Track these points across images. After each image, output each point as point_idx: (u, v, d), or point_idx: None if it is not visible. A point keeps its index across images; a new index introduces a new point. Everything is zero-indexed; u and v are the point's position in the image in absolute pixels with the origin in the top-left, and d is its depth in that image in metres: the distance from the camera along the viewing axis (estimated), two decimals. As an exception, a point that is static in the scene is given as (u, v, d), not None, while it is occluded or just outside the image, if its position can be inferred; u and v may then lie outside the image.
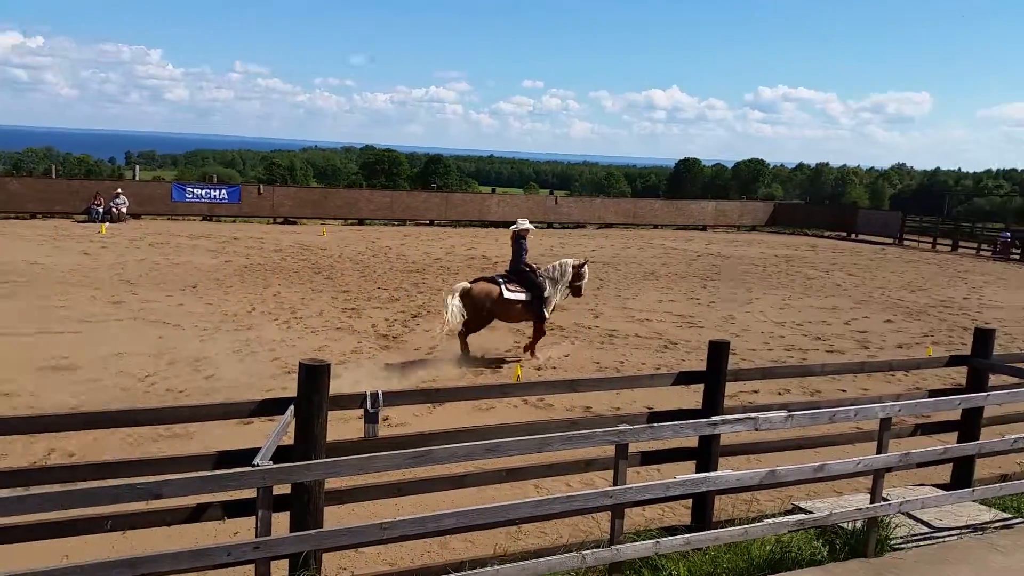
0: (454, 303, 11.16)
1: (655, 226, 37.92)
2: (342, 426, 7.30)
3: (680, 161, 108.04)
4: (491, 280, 11.57)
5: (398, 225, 33.28)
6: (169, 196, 30.81)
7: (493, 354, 11.84)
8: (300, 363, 4.46)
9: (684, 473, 5.20)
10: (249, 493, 4.01)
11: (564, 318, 14.70)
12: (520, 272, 11.62)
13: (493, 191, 42.41)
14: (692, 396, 5.94)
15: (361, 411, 4.94)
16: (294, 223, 31.70)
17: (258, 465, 3.85)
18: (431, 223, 34.13)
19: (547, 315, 11.61)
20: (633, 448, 5.49)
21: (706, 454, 5.62)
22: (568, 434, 4.42)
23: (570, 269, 11.66)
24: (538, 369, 11.07)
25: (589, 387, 5.76)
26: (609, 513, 4.64)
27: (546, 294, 11.50)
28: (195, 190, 31.65)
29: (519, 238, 11.79)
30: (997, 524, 5.93)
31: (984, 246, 33.25)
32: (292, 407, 4.49)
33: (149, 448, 7.29)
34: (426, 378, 10.21)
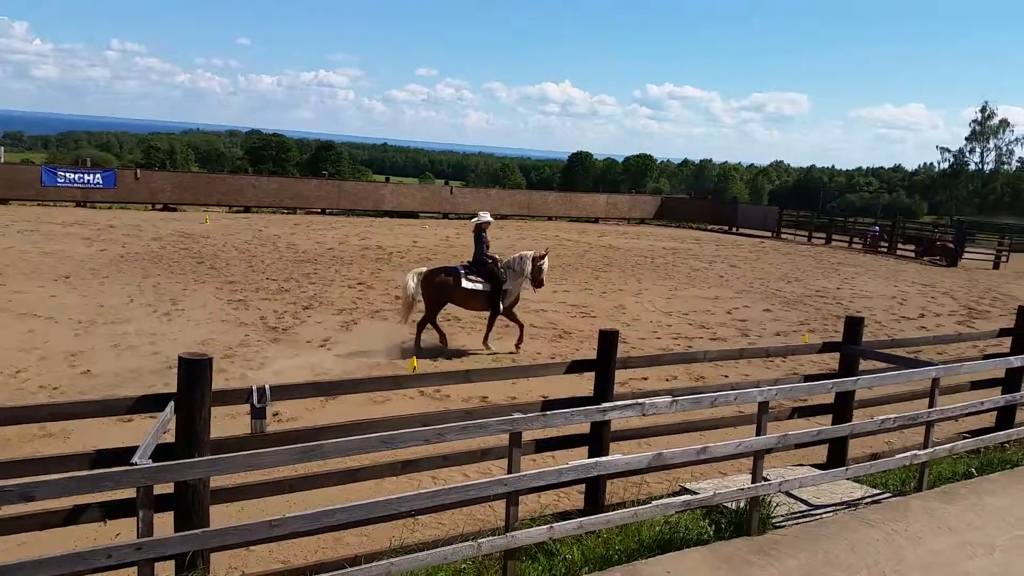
0: (411, 283, 11.57)
1: (549, 218, 38.40)
2: (230, 422, 7.05)
3: (573, 154, 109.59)
4: (452, 270, 11.91)
5: (287, 213, 32.37)
6: (39, 180, 28.88)
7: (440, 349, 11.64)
8: (180, 357, 4.27)
9: (578, 459, 5.29)
10: (131, 493, 3.82)
11: (461, 310, 14.68)
12: (482, 264, 11.93)
13: (387, 180, 41.81)
14: (586, 384, 6.05)
15: (248, 406, 4.76)
16: (174, 210, 30.31)
17: (136, 464, 3.66)
18: (323, 212, 33.37)
19: (501, 308, 11.88)
20: (528, 436, 5.54)
21: (598, 440, 5.74)
22: (463, 424, 4.42)
23: (529, 263, 11.97)
24: (434, 361, 11.02)
25: (484, 377, 5.77)
26: (505, 501, 4.66)
27: (505, 286, 11.83)
28: (68, 174, 29.79)
29: (480, 231, 12.11)
30: (868, 500, 6.32)
31: (855, 239, 35.34)
32: (172, 403, 4.30)
33: (22, 449, 6.83)
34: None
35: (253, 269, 17.81)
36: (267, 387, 4.71)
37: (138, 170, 33.37)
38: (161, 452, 4.17)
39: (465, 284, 11.68)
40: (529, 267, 11.93)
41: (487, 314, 12.13)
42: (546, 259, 12.15)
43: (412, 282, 11.64)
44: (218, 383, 8.12)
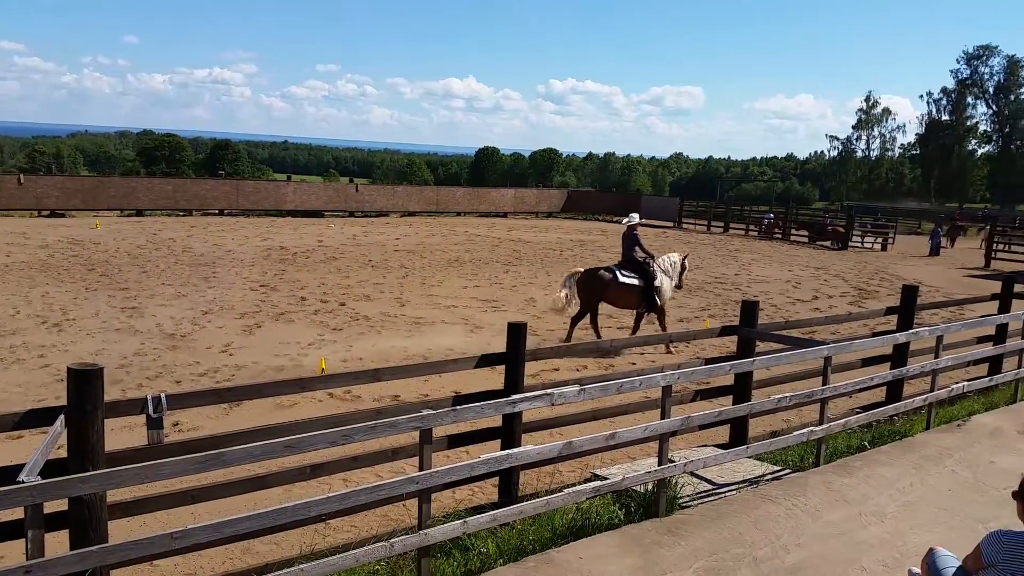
0: (566, 289, 12.27)
1: (458, 213, 38.35)
2: (128, 435, 6.76)
3: (480, 150, 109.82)
4: (608, 269, 12.48)
5: (183, 216, 31.20)
6: (-93, 187, 26.90)
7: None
8: (69, 368, 4.06)
9: (491, 452, 5.31)
10: (19, 513, 3.61)
11: (369, 308, 14.51)
12: (633, 261, 12.47)
13: (289, 178, 40.84)
14: (499, 378, 6.08)
15: (144, 417, 4.57)
16: (62, 216, 28.76)
17: (24, 481, 3.46)
18: (221, 213, 32.31)
19: (659, 303, 12.43)
20: (440, 432, 5.54)
21: (509, 432, 5.78)
22: (371, 424, 4.36)
23: (679, 264, 12.87)
24: (344, 361, 10.84)
25: (393, 375, 5.71)
26: (417, 499, 4.63)
27: (657, 283, 12.37)
28: (-61, 180, 27.83)
29: (631, 231, 12.68)
30: (769, 477, 6.58)
31: (751, 227, 36.71)
32: (63, 416, 4.09)
33: None
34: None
35: (148, 274, 17.09)
36: (163, 396, 4.53)
37: (21, 175, 31.44)
38: (53, 468, 3.97)
39: (621, 279, 12.19)
40: (678, 268, 12.82)
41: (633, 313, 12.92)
42: (687, 259, 13.27)
43: (567, 286, 12.25)
44: (114, 394, 7.78)
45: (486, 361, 6.02)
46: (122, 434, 6.75)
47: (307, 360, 10.81)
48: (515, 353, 5.85)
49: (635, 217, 12.93)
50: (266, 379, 9.28)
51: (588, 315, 12.43)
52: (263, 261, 19.90)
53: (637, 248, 12.55)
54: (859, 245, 32.72)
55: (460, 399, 5.72)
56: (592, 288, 12.22)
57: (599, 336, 12.26)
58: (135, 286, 15.65)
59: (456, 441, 5.83)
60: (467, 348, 11.82)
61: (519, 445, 5.64)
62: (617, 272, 12.26)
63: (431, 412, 4.54)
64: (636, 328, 12.69)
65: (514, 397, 5.15)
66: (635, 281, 12.24)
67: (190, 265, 18.65)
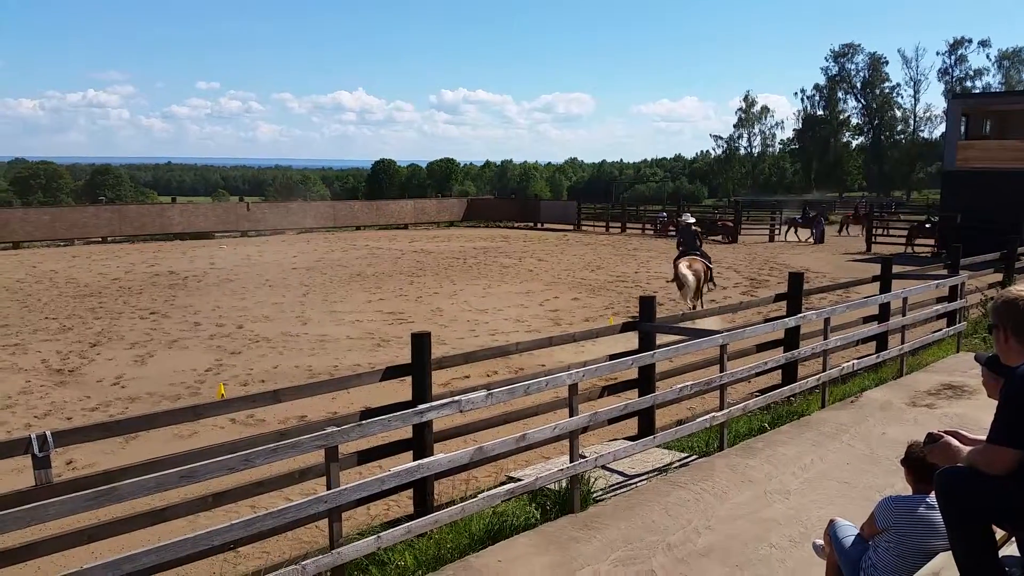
0: (690, 275, 15.45)
1: (357, 227, 37.79)
2: (16, 478, 6.34)
3: (376, 162, 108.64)
4: (701, 257, 16.10)
5: (64, 246, 29.57)
6: None
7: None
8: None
9: (403, 464, 5.23)
10: None
11: (269, 328, 14.10)
12: (698, 249, 16.34)
13: (174, 200, 39.29)
14: (409, 390, 6.00)
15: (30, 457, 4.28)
16: (-72, 253, 26.75)
17: None
18: (104, 240, 30.80)
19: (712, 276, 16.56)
20: (349, 448, 5.41)
21: (420, 442, 5.71)
22: (273, 446, 4.22)
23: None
24: (244, 385, 10.48)
25: (295, 395, 5.55)
26: (327, 518, 4.51)
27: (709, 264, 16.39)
28: None
29: (689, 227, 16.89)
30: (677, 464, 6.74)
31: (647, 226, 37.69)
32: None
33: None
34: None
35: (29, 309, 16.09)
36: (48, 434, 4.26)
37: None
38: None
39: (709, 264, 16.18)
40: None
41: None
42: None
43: (690, 273, 15.40)
44: (-7, 437, 7.26)
45: (392, 373, 5.93)
46: (10, 477, 6.32)
47: (205, 387, 10.40)
48: (421, 363, 5.79)
49: (689, 217, 17.80)
50: (161, 409, 8.88)
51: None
52: (152, 288, 19.06)
53: (697, 240, 16.64)
54: (789, 240, 33.34)
55: (368, 413, 5.62)
56: (703, 271, 15.99)
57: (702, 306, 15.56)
58: (17, 322, 14.71)
59: (366, 456, 5.72)
60: (375, 362, 11.63)
61: (431, 454, 5.58)
62: (702, 259, 16.16)
63: (336, 429, 4.43)
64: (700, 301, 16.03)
65: (421, 407, 5.09)
66: (709, 264, 16.22)
67: (74, 297, 17.67)
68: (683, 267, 15.78)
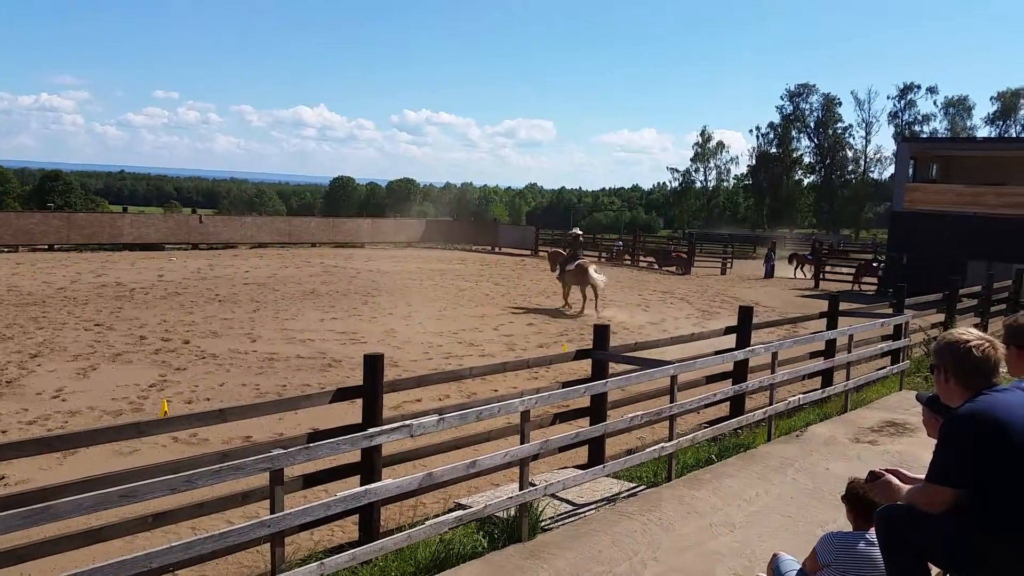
0: (600, 279, 19.05)
1: (313, 244, 37.41)
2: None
3: (335, 179, 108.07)
4: (592, 260, 20.21)
5: (8, 252, 28.68)
6: None
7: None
8: None
9: (350, 489, 5.15)
10: None
11: (218, 344, 13.83)
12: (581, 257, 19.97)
13: (125, 210, 38.47)
14: (359, 412, 5.93)
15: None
16: None
17: None
18: (50, 248, 29.98)
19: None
20: (294, 471, 5.32)
21: (369, 467, 5.63)
22: (216, 467, 4.12)
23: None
24: (188, 403, 10.25)
25: (241, 415, 5.43)
26: (270, 543, 4.41)
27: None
28: None
29: (577, 236, 21.03)
30: (625, 494, 6.76)
31: (603, 254, 38.05)
32: None
33: None
34: None
35: (-35, 316, 15.54)
36: (-20, 449, 4.10)
37: None
38: None
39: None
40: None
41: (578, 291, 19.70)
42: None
43: (600, 276, 18.83)
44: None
45: (343, 395, 5.86)
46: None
47: (148, 403, 10.14)
48: (372, 385, 5.73)
49: (578, 231, 21.87)
50: (102, 425, 8.63)
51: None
52: (97, 299, 18.57)
53: (580, 249, 20.16)
54: (793, 277, 32.53)
55: (316, 436, 5.53)
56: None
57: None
58: (-51, 330, 14.19)
59: (312, 480, 5.62)
60: (325, 383, 11.48)
61: (380, 479, 5.50)
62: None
63: (282, 452, 4.35)
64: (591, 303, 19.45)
65: (371, 431, 5.03)
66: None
67: (16, 305, 17.12)
68: (592, 271, 18.77)
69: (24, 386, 10.71)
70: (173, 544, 3.90)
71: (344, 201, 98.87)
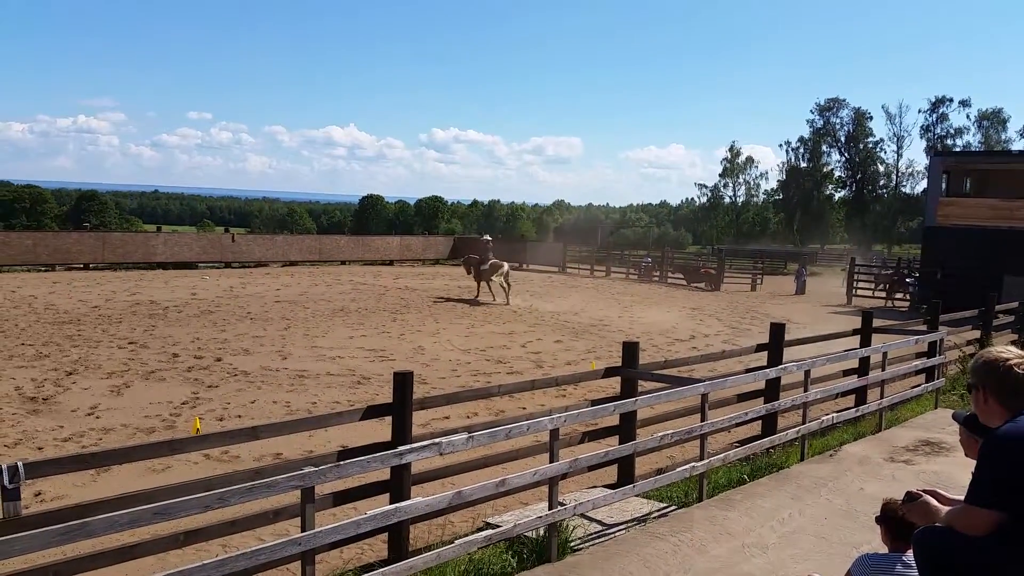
0: (505, 264, 24.31)
1: (342, 262, 37.75)
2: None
3: (364, 197, 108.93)
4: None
5: (45, 271, 29.31)
6: None
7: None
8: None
9: (380, 507, 5.16)
10: None
11: (248, 362, 13.97)
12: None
13: (159, 229, 39.12)
14: (388, 429, 5.95)
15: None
16: (-95, 273, 26.40)
17: None
18: (86, 267, 30.57)
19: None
20: (325, 489, 5.34)
21: (399, 485, 5.63)
22: (248, 485, 4.15)
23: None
24: (220, 420, 10.35)
25: (273, 432, 5.48)
26: (300, 561, 4.43)
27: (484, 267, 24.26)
28: None
29: (488, 242, 25.44)
30: (656, 514, 6.68)
31: (631, 270, 37.91)
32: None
33: None
34: None
35: (5, 334, 15.87)
36: (20, 464, 4.18)
37: None
38: None
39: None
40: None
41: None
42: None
43: (504, 263, 24.15)
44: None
45: (373, 412, 5.88)
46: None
47: (180, 420, 10.27)
48: (402, 403, 5.75)
49: (487, 237, 26.67)
50: (135, 442, 8.74)
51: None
52: (131, 317, 18.88)
53: (491, 254, 24.76)
54: (886, 304, 28.59)
55: (346, 453, 5.55)
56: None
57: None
58: (-11, 347, 14.50)
59: (342, 498, 5.64)
60: (355, 400, 11.54)
61: (409, 498, 5.51)
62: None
63: (313, 470, 4.38)
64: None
65: (401, 449, 5.04)
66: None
67: (53, 323, 17.47)
68: (497, 261, 24.14)
69: (60, 403, 10.90)
70: (206, 562, 3.93)
71: (373, 219, 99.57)
